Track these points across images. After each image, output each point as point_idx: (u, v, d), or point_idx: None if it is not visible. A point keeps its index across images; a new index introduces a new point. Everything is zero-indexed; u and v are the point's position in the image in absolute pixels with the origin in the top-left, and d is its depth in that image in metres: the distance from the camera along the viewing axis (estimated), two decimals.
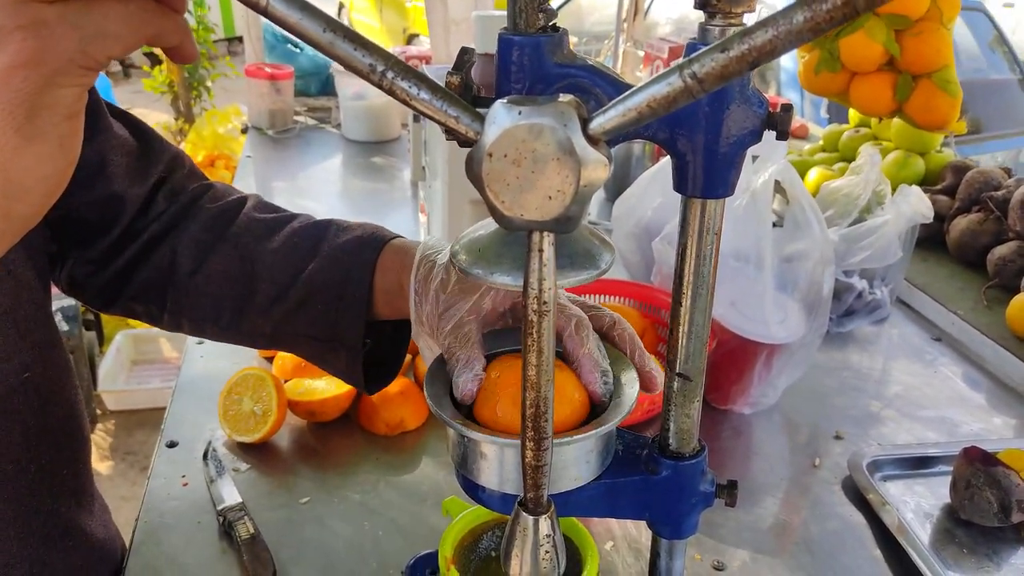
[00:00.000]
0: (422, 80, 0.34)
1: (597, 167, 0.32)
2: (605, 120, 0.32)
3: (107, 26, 0.34)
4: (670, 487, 0.50)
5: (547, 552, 0.42)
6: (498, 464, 0.47)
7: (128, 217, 0.66)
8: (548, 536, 0.42)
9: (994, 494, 0.78)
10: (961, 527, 0.79)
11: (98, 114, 0.62)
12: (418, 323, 0.59)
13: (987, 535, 0.78)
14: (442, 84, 0.37)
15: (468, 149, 0.35)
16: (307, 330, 0.63)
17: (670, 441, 0.50)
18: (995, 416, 0.98)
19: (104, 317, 2.59)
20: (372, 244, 0.62)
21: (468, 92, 0.44)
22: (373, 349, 0.65)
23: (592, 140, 0.33)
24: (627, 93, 0.32)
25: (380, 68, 0.34)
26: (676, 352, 0.47)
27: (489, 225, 0.43)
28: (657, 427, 0.52)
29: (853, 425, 0.95)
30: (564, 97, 0.34)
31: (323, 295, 0.62)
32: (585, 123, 0.33)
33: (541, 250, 0.34)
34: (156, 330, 2.72)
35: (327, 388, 0.89)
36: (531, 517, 0.42)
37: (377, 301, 0.62)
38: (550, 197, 0.32)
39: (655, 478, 0.50)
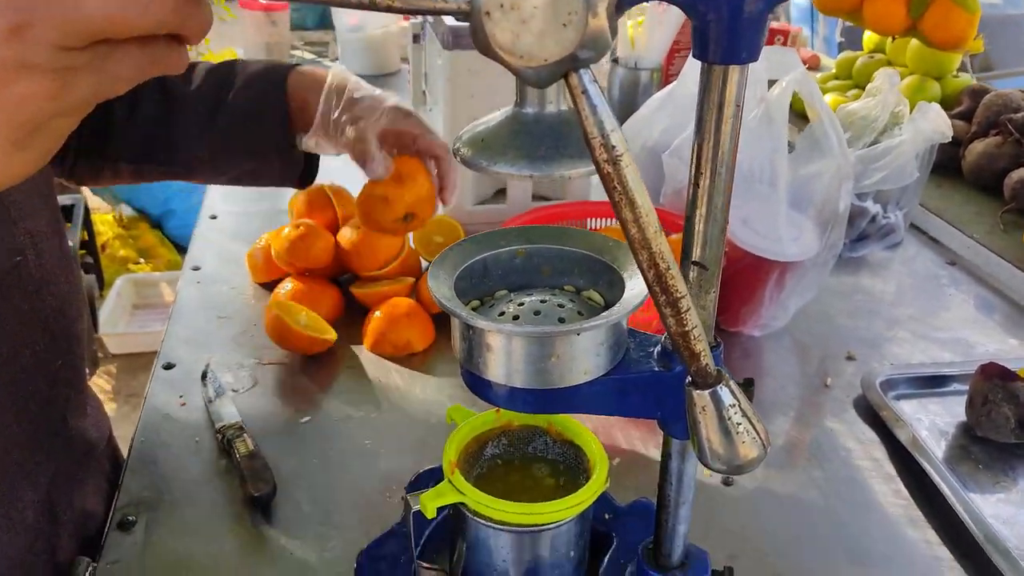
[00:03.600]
0: None
1: None
2: None
3: (122, 71, 0.36)
4: (683, 382, 0.47)
5: (739, 423, 0.38)
6: (505, 356, 0.45)
7: None
8: (733, 406, 0.38)
9: (1011, 409, 0.76)
10: (977, 444, 0.78)
11: None
12: (321, 127, 0.74)
13: (1003, 451, 0.77)
14: None
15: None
16: (239, 147, 0.76)
17: None
18: (1011, 337, 0.96)
19: (104, 261, 2.56)
20: (279, 69, 0.76)
21: None
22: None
23: None
24: None
25: None
26: (692, 238, 0.45)
27: (491, 119, 0.41)
28: None
29: (865, 346, 0.93)
30: None
31: (246, 114, 0.73)
32: None
33: (584, 91, 0.31)
34: (157, 274, 2.69)
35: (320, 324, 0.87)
36: (705, 392, 0.38)
37: (290, 117, 0.75)
38: (564, 24, 0.29)
39: (668, 374, 0.47)
